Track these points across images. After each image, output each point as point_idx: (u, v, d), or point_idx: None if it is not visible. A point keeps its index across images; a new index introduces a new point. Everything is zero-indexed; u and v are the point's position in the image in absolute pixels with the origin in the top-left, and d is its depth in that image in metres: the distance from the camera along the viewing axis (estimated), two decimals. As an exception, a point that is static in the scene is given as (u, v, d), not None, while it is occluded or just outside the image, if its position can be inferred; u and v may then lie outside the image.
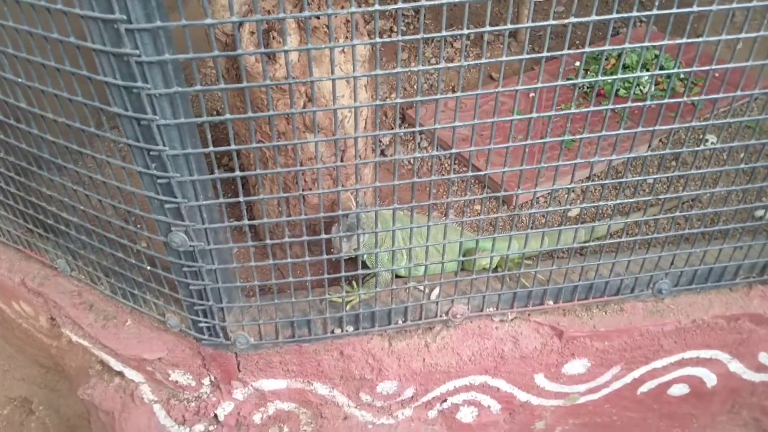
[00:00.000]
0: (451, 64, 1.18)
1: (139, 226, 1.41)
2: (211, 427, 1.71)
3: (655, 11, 1.15)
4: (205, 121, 1.17)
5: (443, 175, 2.12)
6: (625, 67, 2.57)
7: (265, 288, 1.72)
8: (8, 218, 1.78)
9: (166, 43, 1.09)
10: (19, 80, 1.30)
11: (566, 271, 1.60)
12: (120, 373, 1.78)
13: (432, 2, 1.09)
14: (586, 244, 1.81)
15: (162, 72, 1.11)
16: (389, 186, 1.35)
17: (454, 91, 2.66)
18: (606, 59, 2.61)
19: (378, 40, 1.12)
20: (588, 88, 2.59)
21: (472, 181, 2.14)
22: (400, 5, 1.13)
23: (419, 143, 2.33)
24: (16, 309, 1.98)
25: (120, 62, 1.09)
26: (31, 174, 1.56)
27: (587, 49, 1.21)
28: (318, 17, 1.46)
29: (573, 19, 1.14)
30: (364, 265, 1.58)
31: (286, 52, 1.13)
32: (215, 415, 1.71)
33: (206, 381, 1.70)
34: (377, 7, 1.08)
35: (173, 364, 1.68)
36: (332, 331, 1.59)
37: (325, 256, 1.44)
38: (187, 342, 1.65)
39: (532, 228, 1.46)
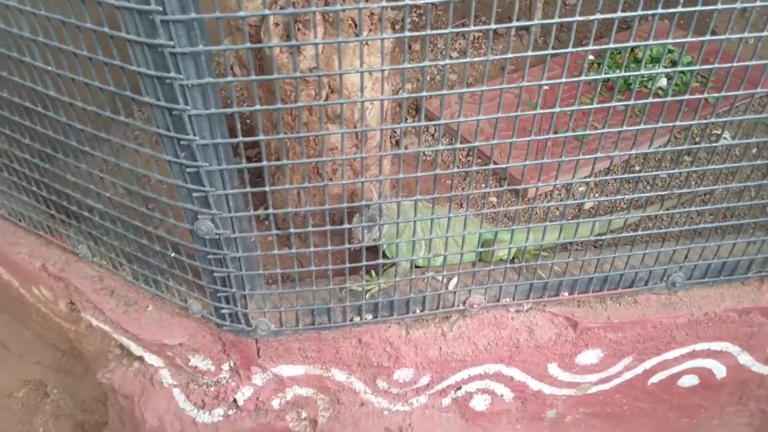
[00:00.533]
0: (477, 59, 1.20)
1: (164, 213, 1.43)
2: (230, 412, 1.74)
3: (680, 8, 1.16)
4: (235, 111, 1.20)
5: (458, 166, 2.14)
6: (638, 62, 2.58)
7: (285, 276, 1.74)
8: (30, 204, 1.80)
9: (200, 34, 1.11)
10: (49, 68, 1.32)
11: (582, 263, 1.63)
12: (140, 358, 1.81)
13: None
14: (602, 237, 1.83)
15: (195, 63, 1.13)
16: (408, 177, 1.38)
17: (467, 84, 2.67)
18: (618, 53, 2.62)
19: (407, 33, 1.14)
20: (602, 82, 2.60)
21: (487, 173, 2.16)
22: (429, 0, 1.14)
23: (433, 134, 2.34)
24: (35, 293, 2.01)
25: (154, 53, 1.11)
26: (55, 160, 1.58)
27: (613, 45, 1.23)
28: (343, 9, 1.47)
29: (600, 16, 1.15)
30: (384, 255, 1.61)
31: (316, 44, 1.15)
32: (234, 400, 1.74)
33: (225, 366, 1.73)
34: (407, 1, 1.10)
35: (193, 349, 1.70)
36: (351, 319, 1.62)
37: (347, 246, 1.46)
38: (208, 328, 1.67)
39: (546, 220, 1.49)
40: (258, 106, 1.20)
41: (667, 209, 1.90)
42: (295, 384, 1.72)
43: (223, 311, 1.57)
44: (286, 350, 1.66)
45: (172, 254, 1.52)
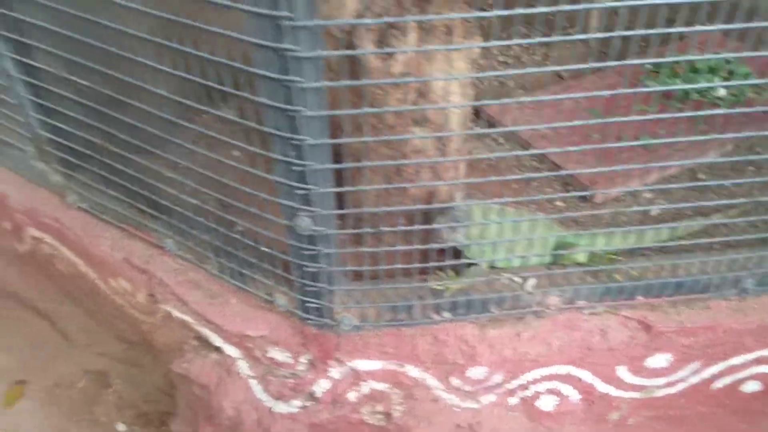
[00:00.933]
0: (581, 66, 1.24)
1: (261, 208, 1.50)
2: (307, 403, 1.79)
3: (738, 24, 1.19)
4: (348, 114, 1.25)
5: (523, 171, 2.19)
6: (695, 71, 2.61)
7: (367, 272, 1.79)
8: (117, 198, 1.87)
9: (320, 39, 1.17)
10: (162, 67, 1.39)
11: (657, 268, 1.66)
12: (218, 349, 1.86)
13: (548, 9, 1.13)
14: (678, 243, 1.86)
15: (314, 67, 1.19)
16: (498, 180, 1.42)
17: (524, 89, 2.71)
18: (677, 63, 2.65)
19: (514, 41, 1.19)
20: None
21: (553, 178, 2.20)
22: (517, 11, 1.17)
23: (495, 139, 2.39)
24: (112, 285, 2.08)
25: (277, 57, 1.17)
26: (152, 155, 1.65)
27: (690, 56, 1.27)
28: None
29: (659, 31, 1.19)
30: (465, 255, 1.66)
31: (433, 50, 1.20)
32: (311, 392, 1.79)
33: (303, 359, 1.78)
34: (499, 11, 1.13)
35: (273, 341, 1.76)
36: (430, 317, 1.67)
37: (433, 245, 1.51)
38: (290, 321, 1.73)
39: (615, 225, 1.53)
40: (367, 109, 1.26)
41: (738, 216, 1.93)
42: (371, 378, 1.77)
43: (308, 305, 1.63)
44: (365, 345, 1.71)
45: (266, 249, 1.58)
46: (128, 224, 1.93)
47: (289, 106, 1.22)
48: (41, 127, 1.88)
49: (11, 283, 2.66)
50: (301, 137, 1.27)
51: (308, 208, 1.40)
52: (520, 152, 1.43)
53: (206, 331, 1.84)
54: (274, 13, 1.10)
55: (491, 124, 2.45)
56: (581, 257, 1.69)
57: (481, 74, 1.25)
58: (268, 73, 1.19)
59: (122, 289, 2.06)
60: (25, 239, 2.29)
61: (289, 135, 1.27)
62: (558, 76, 2.81)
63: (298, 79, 1.18)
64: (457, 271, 1.67)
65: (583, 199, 2.13)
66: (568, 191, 2.11)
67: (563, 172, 1.45)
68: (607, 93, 1.31)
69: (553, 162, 2.23)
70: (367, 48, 1.51)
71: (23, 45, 1.73)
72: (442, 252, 1.58)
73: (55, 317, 2.66)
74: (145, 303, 2.01)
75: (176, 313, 1.88)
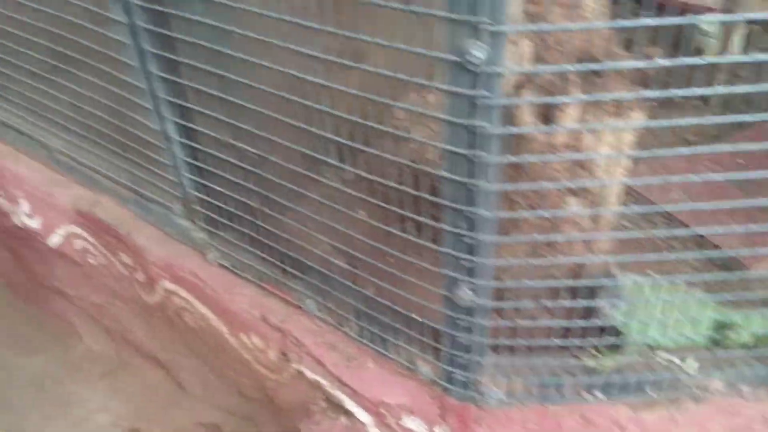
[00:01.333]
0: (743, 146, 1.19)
1: (420, 277, 1.50)
2: (443, 477, 1.74)
3: None
4: (527, 188, 1.25)
5: (670, 245, 2.12)
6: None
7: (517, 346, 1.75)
8: (259, 257, 1.92)
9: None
10: (329, 135, 1.43)
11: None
12: (347, 413, 1.85)
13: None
14: None
15: (500, 142, 1.20)
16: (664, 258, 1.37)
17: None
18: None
19: (701, 119, 1.17)
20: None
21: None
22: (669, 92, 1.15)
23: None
24: (242, 341, 2.12)
25: (467, 132, 1.18)
26: (297, 214, 1.69)
27: None
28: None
29: None
30: (619, 332, 1.59)
31: (615, 128, 1.19)
32: (447, 465, 1.74)
33: (438, 430, 1.74)
34: (669, 92, 1.11)
35: (409, 410, 1.73)
36: (580, 395, 1.60)
37: (598, 321, 1.47)
38: (429, 390, 1.70)
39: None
40: (545, 184, 1.25)
41: None
42: (511, 455, 1.71)
43: (454, 376, 1.60)
44: (508, 420, 1.65)
45: (414, 316, 1.57)
46: (267, 282, 1.97)
47: (471, 180, 1.23)
48: (192, 187, 1.97)
49: (133, 332, 2.76)
50: (475, 209, 1.27)
51: (471, 279, 1.39)
52: (682, 230, 1.39)
53: (339, 394, 1.83)
54: (473, 92, 1.12)
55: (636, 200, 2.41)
56: (747, 338, 1.59)
57: (652, 153, 1.22)
58: (455, 149, 1.20)
59: (252, 345, 2.09)
60: (156, 291, 2.37)
61: (465, 207, 1.27)
62: (685, 140, 2.74)
63: (482, 154, 1.18)
64: (613, 348, 1.60)
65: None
66: (717, 266, 2.02)
67: (741, 253, 1.39)
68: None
69: (688, 227, 2.15)
70: (528, 119, 1.52)
71: (186, 109, 1.83)
72: (598, 328, 1.53)
73: (172, 368, 2.73)
74: (275, 360, 2.03)
75: (309, 373, 1.88)
